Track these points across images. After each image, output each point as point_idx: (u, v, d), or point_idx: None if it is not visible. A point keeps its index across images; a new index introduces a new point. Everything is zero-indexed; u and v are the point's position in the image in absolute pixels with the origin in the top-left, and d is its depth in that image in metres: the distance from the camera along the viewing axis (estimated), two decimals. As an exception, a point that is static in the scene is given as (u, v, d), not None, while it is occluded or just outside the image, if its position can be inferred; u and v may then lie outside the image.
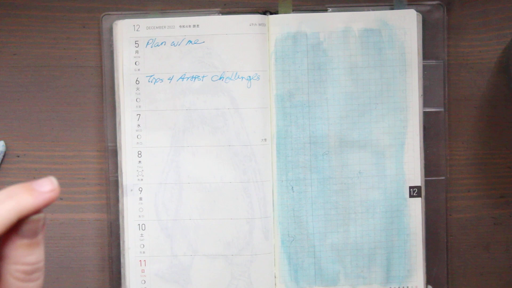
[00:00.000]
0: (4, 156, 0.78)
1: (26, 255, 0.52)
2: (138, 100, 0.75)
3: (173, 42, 0.75)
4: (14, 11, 0.77)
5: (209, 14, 0.76)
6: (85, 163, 0.78)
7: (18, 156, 0.78)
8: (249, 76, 0.74)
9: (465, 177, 0.78)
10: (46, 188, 0.52)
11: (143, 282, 0.75)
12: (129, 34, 0.75)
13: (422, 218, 0.75)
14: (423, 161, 0.75)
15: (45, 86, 0.78)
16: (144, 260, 0.75)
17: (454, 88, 0.78)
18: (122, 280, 0.76)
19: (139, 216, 0.75)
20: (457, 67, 0.78)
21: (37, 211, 0.51)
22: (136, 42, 0.75)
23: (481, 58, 0.78)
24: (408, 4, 0.75)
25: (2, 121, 0.78)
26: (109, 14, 0.76)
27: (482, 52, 0.78)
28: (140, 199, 0.75)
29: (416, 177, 0.75)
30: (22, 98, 0.78)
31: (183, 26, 0.75)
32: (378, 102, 0.75)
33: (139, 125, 0.75)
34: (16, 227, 0.51)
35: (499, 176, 0.79)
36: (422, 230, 0.75)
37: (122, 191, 0.75)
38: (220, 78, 0.74)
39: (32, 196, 0.51)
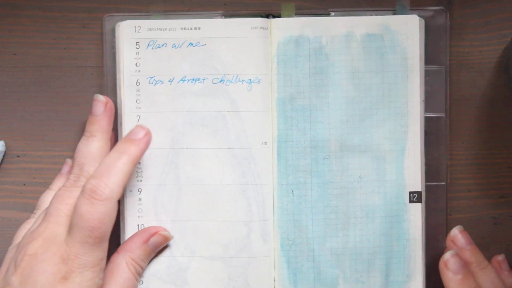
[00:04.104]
0: (4, 156, 0.77)
1: (142, 258, 0.72)
2: (138, 101, 0.74)
3: (174, 44, 0.74)
4: (14, 11, 0.77)
5: (212, 16, 0.75)
6: (85, 163, 0.78)
7: (18, 156, 0.78)
8: (250, 79, 0.74)
9: (465, 177, 0.79)
10: (141, 134, 0.70)
11: (141, 282, 0.75)
12: (130, 36, 0.74)
13: (422, 223, 0.75)
14: (423, 166, 0.75)
15: (45, 86, 0.78)
16: (143, 262, 0.76)
17: (454, 89, 0.78)
18: (121, 281, 0.76)
19: (138, 217, 0.75)
20: (457, 68, 0.78)
21: (141, 155, 0.70)
22: (137, 43, 0.74)
23: (481, 58, 0.78)
24: (411, 9, 0.75)
25: (2, 121, 0.78)
26: (112, 16, 0.75)
27: (482, 52, 0.78)
28: (139, 200, 0.75)
29: (416, 182, 0.75)
30: (22, 98, 0.78)
31: (184, 29, 0.74)
32: (379, 107, 0.74)
33: None
34: (149, 234, 0.73)
35: (499, 176, 0.79)
36: (422, 236, 0.75)
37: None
38: (221, 81, 0.74)
39: (136, 145, 0.69)
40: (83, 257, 0.64)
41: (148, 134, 0.71)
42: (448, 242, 0.75)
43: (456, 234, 0.75)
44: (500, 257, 0.75)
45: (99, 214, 0.64)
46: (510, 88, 0.78)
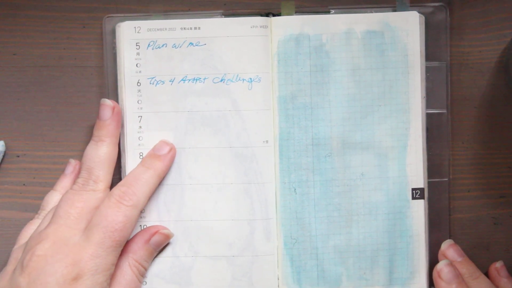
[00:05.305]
0: (4, 156, 0.77)
1: (145, 259, 0.72)
2: (139, 102, 0.74)
3: (174, 44, 0.74)
4: (14, 11, 0.77)
5: (212, 16, 0.75)
6: (86, 164, 0.77)
7: (18, 156, 0.78)
8: (250, 78, 0.74)
9: (465, 177, 0.78)
10: (166, 150, 0.74)
11: (145, 283, 0.74)
12: (130, 36, 0.74)
13: (425, 219, 0.75)
14: (425, 163, 0.75)
15: (45, 86, 0.78)
16: (146, 262, 0.75)
17: (454, 88, 0.78)
18: (123, 282, 0.76)
19: (141, 217, 0.75)
20: (457, 67, 0.78)
21: (167, 170, 0.74)
22: (137, 44, 0.74)
23: (481, 58, 0.78)
24: (411, 6, 0.75)
25: (2, 121, 0.78)
26: (111, 17, 0.75)
27: (482, 52, 0.78)
28: (142, 200, 0.75)
29: (418, 178, 0.75)
30: (22, 98, 0.78)
31: (184, 28, 0.74)
32: (380, 104, 0.74)
33: (140, 127, 0.74)
34: (150, 234, 0.73)
35: (499, 176, 0.79)
36: (425, 232, 0.75)
37: (124, 193, 0.75)
38: (221, 80, 0.74)
39: (161, 161, 0.73)
40: (97, 260, 0.64)
41: (172, 150, 0.74)
42: (440, 256, 0.75)
43: (446, 248, 0.75)
44: (498, 264, 0.75)
45: (124, 217, 0.66)
46: (510, 88, 0.78)
